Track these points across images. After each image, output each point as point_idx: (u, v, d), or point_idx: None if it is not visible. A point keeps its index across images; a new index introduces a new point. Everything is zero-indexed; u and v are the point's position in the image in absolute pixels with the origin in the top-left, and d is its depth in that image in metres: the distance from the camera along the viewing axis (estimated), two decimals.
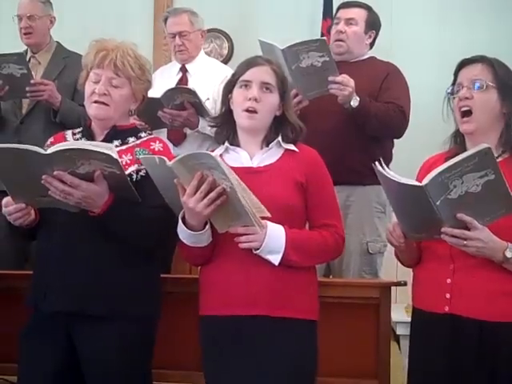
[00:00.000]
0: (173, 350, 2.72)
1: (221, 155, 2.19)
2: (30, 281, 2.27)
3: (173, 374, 2.76)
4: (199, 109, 3.25)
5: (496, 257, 1.92)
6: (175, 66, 3.59)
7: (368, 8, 3.31)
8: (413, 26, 4.65)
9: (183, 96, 3.21)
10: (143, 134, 2.32)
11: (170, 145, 3.27)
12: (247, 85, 2.17)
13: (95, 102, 2.24)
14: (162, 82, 3.47)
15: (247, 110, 2.14)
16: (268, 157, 2.18)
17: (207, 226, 2.05)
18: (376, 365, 2.67)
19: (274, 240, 2.03)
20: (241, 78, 2.19)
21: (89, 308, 2.13)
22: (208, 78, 3.46)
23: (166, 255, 3.28)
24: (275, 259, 2.05)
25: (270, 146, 2.19)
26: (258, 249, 2.04)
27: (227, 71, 3.57)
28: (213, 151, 2.19)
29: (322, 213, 2.16)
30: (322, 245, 2.12)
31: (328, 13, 4.37)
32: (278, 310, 2.06)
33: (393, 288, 2.76)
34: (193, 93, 3.19)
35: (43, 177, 2.01)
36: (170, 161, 1.98)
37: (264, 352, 2.05)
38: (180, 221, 2.07)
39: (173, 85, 3.42)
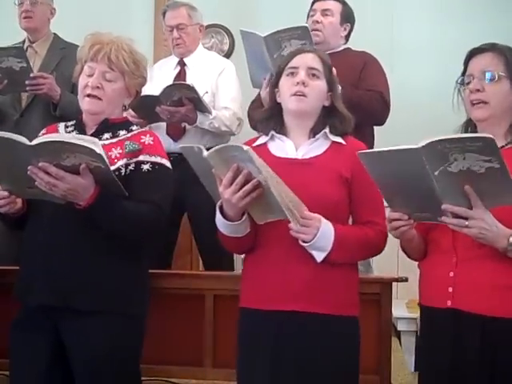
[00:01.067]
0: (173, 346, 2.72)
1: (266, 143, 2.17)
2: None
3: (174, 370, 2.76)
4: (197, 104, 3.23)
5: (500, 243, 1.84)
6: (173, 60, 3.56)
7: (343, 2, 3.37)
8: (414, 24, 4.66)
9: (181, 92, 3.19)
10: (134, 128, 2.31)
11: (169, 140, 3.28)
12: (294, 72, 2.15)
13: (88, 95, 2.23)
14: (161, 75, 3.46)
15: (296, 95, 2.12)
16: (314, 148, 2.14)
17: (244, 217, 2.04)
18: (377, 360, 2.66)
19: (324, 238, 2.01)
20: (287, 66, 2.17)
21: (74, 302, 2.12)
22: (206, 72, 3.45)
23: (166, 250, 3.28)
24: (319, 256, 2.02)
25: (317, 137, 2.15)
26: (306, 242, 2.01)
27: (225, 64, 3.57)
28: (255, 140, 2.18)
29: (366, 210, 2.10)
30: (365, 243, 2.08)
31: None
32: (318, 305, 2.03)
33: (394, 284, 2.75)
34: (191, 88, 3.18)
35: (29, 167, 2.01)
36: (203, 151, 1.97)
37: (303, 349, 2.02)
38: (218, 210, 2.07)
39: (171, 78, 3.41)
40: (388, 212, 1.97)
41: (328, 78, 2.18)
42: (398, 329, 3.74)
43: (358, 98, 3.02)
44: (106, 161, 2.04)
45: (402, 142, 3.23)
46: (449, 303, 1.92)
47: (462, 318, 1.90)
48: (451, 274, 1.93)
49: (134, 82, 2.30)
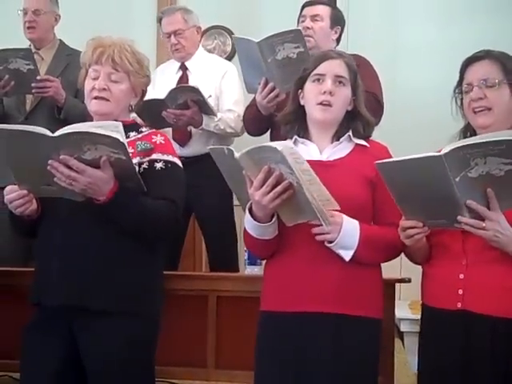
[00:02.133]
0: (177, 347, 2.73)
1: None
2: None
3: (179, 371, 2.76)
4: (203, 106, 3.25)
5: (511, 247, 1.87)
6: (175, 64, 3.58)
7: (331, 5, 3.40)
8: (417, 27, 4.65)
9: (186, 95, 3.21)
10: (144, 129, 2.33)
11: (175, 145, 3.29)
12: (320, 78, 2.15)
13: (95, 97, 2.25)
14: (163, 80, 3.48)
15: (321, 104, 2.12)
16: (338, 151, 2.15)
17: (274, 219, 2.04)
18: (380, 362, 2.64)
19: (348, 235, 2.01)
20: (314, 72, 2.16)
21: (90, 302, 2.13)
22: (209, 75, 3.46)
23: (173, 252, 3.30)
24: (347, 255, 2.03)
25: (341, 140, 2.16)
26: (331, 242, 2.01)
27: (227, 66, 3.59)
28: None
29: (389, 211, 2.06)
30: (392, 243, 2.07)
31: None
32: (345, 307, 2.03)
33: (396, 285, 2.75)
34: (196, 90, 3.19)
35: (49, 161, 2.01)
36: (235, 153, 1.97)
37: (327, 351, 2.02)
38: (247, 212, 2.07)
39: (173, 83, 3.43)
40: (402, 220, 1.98)
41: (353, 83, 2.19)
42: (401, 330, 3.73)
43: None
44: (128, 150, 2.05)
45: (406, 144, 3.27)
46: (459, 305, 1.94)
47: (472, 319, 1.92)
48: (461, 276, 1.95)
49: (139, 82, 2.32)
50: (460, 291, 1.94)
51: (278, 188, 1.94)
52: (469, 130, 2.10)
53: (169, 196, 2.17)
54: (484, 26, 4.46)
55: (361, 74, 3.18)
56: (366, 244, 2.03)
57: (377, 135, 3.39)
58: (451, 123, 2.14)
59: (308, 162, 2.04)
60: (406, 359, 3.31)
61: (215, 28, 4.64)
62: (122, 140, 1.99)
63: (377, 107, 3.16)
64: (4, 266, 2.91)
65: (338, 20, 3.35)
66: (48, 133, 1.99)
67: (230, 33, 4.63)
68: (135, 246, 2.17)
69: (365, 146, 2.17)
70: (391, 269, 3.25)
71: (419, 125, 4.21)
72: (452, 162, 1.75)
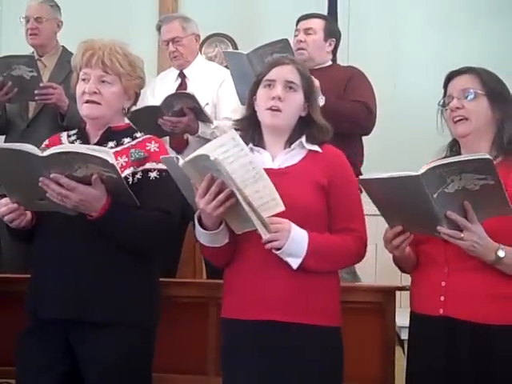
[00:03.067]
0: (177, 354, 2.72)
1: None
2: None
3: (177, 379, 2.76)
4: (199, 114, 3.25)
5: (488, 256, 1.95)
6: (173, 72, 3.59)
7: (326, 18, 3.49)
8: (417, 36, 4.67)
9: (182, 101, 3.21)
10: (138, 135, 2.30)
11: (172, 152, 3.28)
12: (271, 84, 2.15)
13: (86, 101, 2.23)
14: (163, 88, 3.48)
15: (271, 109, 2.13)
16: (290, 158, 2.15)
17: (221, 227, 2.04)
18: (381, 369, 2.67)
19: (296, 242, 2.01)
20: (265, 78, 2.17)
21: (86, 315, 2.12)
22: (207, 83, 3.47)
23: (171, 259, 3.29)
24: (295, 262, 2.02)
25: (292, 146, 2.16)
26: (279, 249, 2.01)
27: (225, 74, 3.58)
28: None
29: (343, 216, 2.10)
30: (343, 250, 2.08)
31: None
32: (295, 315, 2.03)
33: (397, 292, 2.76)
34: (192, 97, 3.19)
35: (40, 179, 2.01)
36: (180, 161, 1.97)
37: (282, 360, 2.02)
38: (196, 220, 2.07)
39: (172, 91, 3.42)
40: (386, 231, 2.04)
41: (305, 89, 2.18)
42: (402, 337, 3.72)
43: (342, 107, 3.11)
44: (119, 170, 2.05)
45: (407, 154, 3.28)
46: (441, 311, 2.01)
47: (453, 325, 1.99)
48: (443, 283, 2.03)
49: (131, 84, 2.29)
50: (442, 298, 2.02)
51: (220, 196, 1.95)
52: (454, 146, 2.17)
53: (163, 207, 2.16)
54: (485, 36, 4.48)
55: (353, 84, 3.26)
56: (315, 252, 2.03)
57: (376, 145, 3.41)
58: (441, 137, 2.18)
59: None
60: None
61: (216, 36, 4.66)
62: (111, 162, 1.99)
63: (367, 116, 3.22)
64: (4, 272, 2.92)
65: (332, 32, 3.42)
66: (38, 152, 1.99)
67: (232, 40, 4.65)
68: (130, 257, 2.16)
69: (317, 151, 2.16)
70: (391, 277, 3.28)
71: (419, 134, 4.22)
72: (429, 180, 1.84)
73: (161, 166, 2.19)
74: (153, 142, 2.26)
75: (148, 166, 2.20)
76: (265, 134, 2.19)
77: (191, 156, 1.93)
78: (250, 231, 2.00)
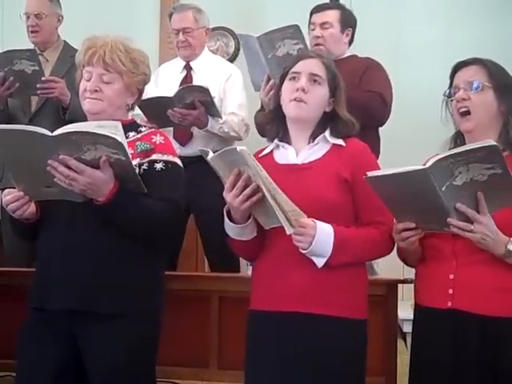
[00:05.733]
0: (179, 348, 2.73)
1: (272, 152, 2.21)
2: None
3: (182, 371, 2.77)
4: (209, 108, 3.24)
5: (498, 250, 1.94)
6: (179, 63, 3.57)
7: (340, 7, 3.39)
8: (420, 27, 4.65)
9: (194, 94, 3.20)
10: (143, 129, 2.32)
11: (176, 144, 3.29)
12: (296, 76, 2.16)
13: (88, 98, 2.25)
14: (166, 78, 3.48)
15: (295, 100, 2.13)
16: (314, 153, 2.16)
17: (249, 221, 2.07)
18: (382, 362, 2.67)
19: (321, 245, 2.02)
20: (290, 71, 2.18)
21: (93, 305, 2.13)
22: (213, 76, 3.46)
23: (171, 252, 3.29)
24: (319, 262, 2.04)
25: (316, 141, 2.17)
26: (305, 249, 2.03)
27: (232, 69, 3.58)
28: (263, 150, 2.21)
29: (369, 210, 2.10)
30: (369, 244, 2.09)
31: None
32: (320, 307, 2.04)
33: (399, 285, 2.76)
34: (205, 91, 3.18)
35: (49, 161, 2.01)
36: (210, 154, 2.00)
37: (305, 351, 2.03)
38: (225, 213, 2.09)
39: (177, 82, 3.42)
40: (395, 224, 2.03)
41: (331, 84, 2.19)
42: (404, 330, 3.73)
43: (356, 98, 3.03)
44: (127, 151, 2.05)
45: (409, 146, 3.27)
46: (449, 304, 2.00)
47: (462, 318, 1.98)
48: (451, 276, 2.01)
49: (133, 81, 2.30)
50: (450, 291, 2.01)
51: (247, 190, 1.98)
52: (459, 138, 2.16)
53: (169, 197, 2.17)
54: (487, 27, 4.48)
55: (369, 74, 3.20)
56: (341, 250, 2.04)
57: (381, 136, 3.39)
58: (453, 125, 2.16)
59: (284, 166, 2.12)
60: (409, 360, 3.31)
61: (218, 29, 4.64)
62: (120, 140, 2.00)
63: (381, 106, 3.17)
64: (7, 266, 2.92)
65: (348, 22, 3.34)
66: (47, 132, 1.99)
67: (233, 34, 4.63)
68: (136, 247, 2.17)
69: (341, 145, 2.17)
70: (394, 270, 3.27)
71: (422, 125, 4.21)
72: (437, 173, 1.83)
73: (166, 157, 2.23)
74: (158, 135, 2.28)
75: (154, 157, 2.21)
76: (290, 128, 2.20)
77: (221, 150, 1.97)
78: (278, 227, 2.01)
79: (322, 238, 2.01)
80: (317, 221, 2.02)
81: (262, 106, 3.17)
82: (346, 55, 3.35)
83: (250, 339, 2.16)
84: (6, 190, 2.14)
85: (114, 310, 2.13)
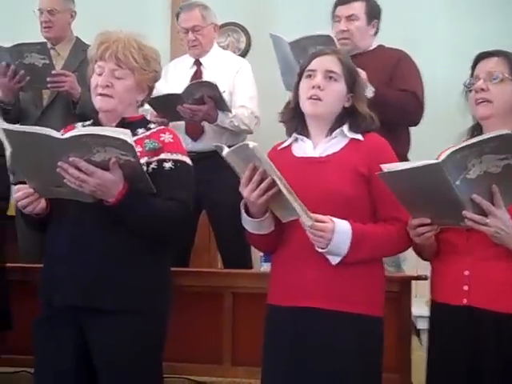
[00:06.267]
0: (192, 344, 2.72)
1: (290, 145, 2.21)
2: None
3: (195, 368, 2.77)
4: (218, 102, 3.24)
5: None
6: (189, 59, 3.57)
7: None
8: (430, 22, 4.62)
9: (203, 90, 3.20)
10: (152, 126, 2.31)
11: (188, 139, 3.29)
12: (311, 74, 2.16)
13: (99, 94, 2.24)
14: (176, 74, 3.48)
15: (311, 98, 2.13)
16: (331, 146, 2.15)
17: (266, 214, 2.07)
18: (397, 359, 2.65)
19: (338, 244, 2.01)
20: (306, 68, 2.18)
21: (99, 302, 2.13)
22: (223, 71, 3.45)
23: (183, 248, 3.29)
24: (334, 260, 2.03)
25: (334, 134, 2.16)
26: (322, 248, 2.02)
27: (241, 63, 3.58)
28: (282, 143, 2.21)
29: (386, 205, 2.08)
30: (386, 241, 2.07)
31: None
32: (334, 303, 2.03)
33: (413, 282, 2.74)
34: (213, 86, 3.18)
35: (59, 163, 2.01)
36: (224, 150, 2.01)
37: (320, 348, 2.03)
38: (242, 207, 2.10)
39: (187, 78, 3.42)
40: (410, 219, 2.01)
41: (348, 80, 2.17)
42: (418, 327, 3.71)
43: (392, 98, 3.00)
44: (137, 153, 2.05)
45: (417, 136, 3.25)
46: (464, 301, 1.98)
47: (477, 315, 1.96)
48: (466, 272, 2.00)
49: (144, 78, 2.29)
50: (465, 287, 1.99)
51: (263, 185, 1.99)
52: (476, 130, 2.13)
53: (178, 196, 2.17)
54: (490, 20, 4.44)
55: (401, 70, 3.15)
56: (357, 248, 2.03)
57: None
58: (464, 119, 2.15)
59: (302, 159, 2.12)
60: (423, 357, 3.29)
61: (229, 25, 4.63)
62: (130, 142, 2.00)
63: (417, 106, 3.12)
64: (20, 262, 2.92)
65: (374, 13, 3.27)
66: (57, 135, 2.00)
67: (245, 30, 4.62)
68: (142, 245, 2.17)
69: (359, 140, 2.15)
70: (408, 266, 3.26)
71: (430, 119, 4.19)
72: (450, 167, 1.80)
73: (175, 156, 2.22)
74: (167, 133, 2.27)
75: (163, 156, 2.20)
76: (308, 123, 2.20)
77: (235, 146, 1.98)
78: (294, 220, 2.01)
79: (339, 237, 2.00)
80: (334, 219, 2.01)
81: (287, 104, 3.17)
82: (372, 47, 3.30)
83: (267, 334, 2.15)
84: (17, 187, 2.14)
85: (117, 306, 2.13)
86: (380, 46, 3.31)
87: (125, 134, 2.00)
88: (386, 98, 2.94)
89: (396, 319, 2.67)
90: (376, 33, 3.31)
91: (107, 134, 1.98)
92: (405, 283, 2.73)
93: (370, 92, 2.92)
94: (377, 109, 2.97)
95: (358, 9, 3.23)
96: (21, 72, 3.21)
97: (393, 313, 2.63)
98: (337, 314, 2.03)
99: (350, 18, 3.22)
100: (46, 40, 3.51)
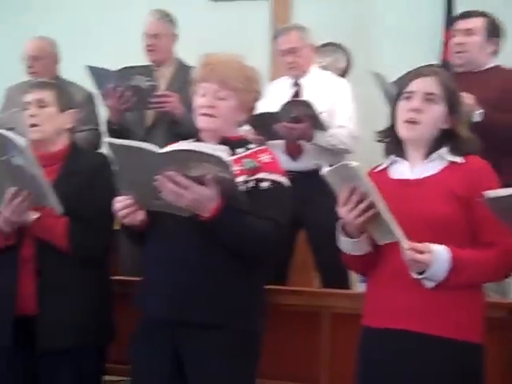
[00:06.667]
0: (289, 362, 2.71)
1: (387, 168, 2.19)
2: None
3: None
4: (315, 121, 3.25)
5: None
6: (288, 80, 3.62)
7: (487, 16, 3.21)
8: None
9: (299, 109, 3.23)
10: (252, 145, 2.33)
11: (287, 158, 3.31)
12: (410, 96, 2.12)
13: (203, 114, 2.29)
14: (276, 96, 3.50)
15: (407, 121, 2.10)
16: (429, 169, 2.11)
17: (364, 235, 2.05)
18: None
19: (435, 271, 1.96)
20: (405, 90, 2.15)
21: (193, 316, 2.15)
22: (322, 91, 3.47)
23: (281, 266, 3.29)
24: (429, 284, 1.99)
25: (432, 157, 2.12)
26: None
27: (341, 82, 3.60)
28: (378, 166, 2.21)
29: (486, 230, 2.01)
30: (485, 268, 2.00)
31: (450, 23, 4.25)
32: (431, 327, 1.98)
33: None
34: (309, 105, 3.20)
35: (156, 177, 2.06)
36: (322, 169, 2.01)
37: (414, 372, 1.98)
38: (339, 227, 2.09)
39: (286, 98, 3.44)
40: None
41: (448, 101, 2.12)
42: None
43: (503, 122, 2.91)
44: (233, 171, 2.07)
45: None
46: None
47: None
48: None
49: (247, 98, 2.32)
50: None
51: (361, 205, 1.96)
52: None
53: (273, 216, 2.17)
54: None
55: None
56: (455, 275, 1.96)
57: None
58: None
59: (398, 181, 2.09)
60: None
61: (329, 45, 4.62)
62: (226, 159, 2.02)
63: None
64: (124, 275, 3.01)
65: (494, 31, 3.19)
66: (156, 149, 2.05)
67: (345, 50, 4.61)
68: (237, 261, 2.18)
69: (459, 162, 2.09)
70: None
71: None
72: None
73: (273, 176, 2.23)
74: (266, 153, 2.29)
75: (261, 175, 2.22)
76: (405, 146, 2.16)
77: (336, 165, 1.97)
78: (390, 242, 1.99)
79: (437, 266, 1.96)
80: (433, 247, 1.95)
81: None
82: (488, 66, 3.20)
83: (360, 355, 2.13)
84: (118, 198, 2.20)
85: (210, 321, 2.15)
86: (496, 66, 3.20)
87: (222, 151, 2.03)
88: (495, 121, 2.85)
89: (500, 348, 2.55)
90: (495, 52, 3.21)
91: (204, 151, 2.02)
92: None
93: (477, 116, 2.84)
94: (485, 134, 2.90)
95: (478, 24, 3.17)
96: (127, 93, 3.34)
97: (498, 342, 2.51)
98: (433, 338, 1.98)
99: (468, 31, 3.17)
100: (150, 63, 3.65)
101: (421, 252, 1.94)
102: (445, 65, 3.63)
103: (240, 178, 2.18)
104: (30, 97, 2.53)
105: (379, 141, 2.24)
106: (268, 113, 3.21)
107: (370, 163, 2.26)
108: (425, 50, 4.20)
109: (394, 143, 2.18)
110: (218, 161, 2.02)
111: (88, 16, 4.95)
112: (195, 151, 2.03)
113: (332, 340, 2.71)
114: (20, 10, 5.06)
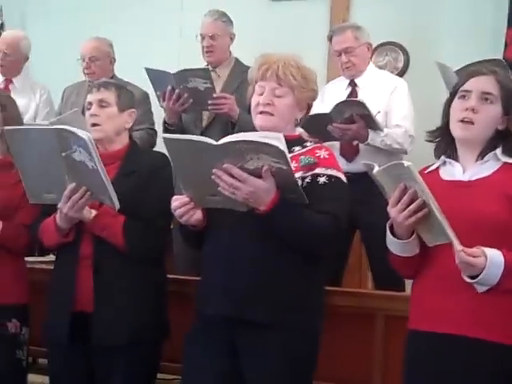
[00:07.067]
0: (342, 364, 2.70)
1: (438, 168, 2.16)
2: None
3: None
4: (369, 121, 3.22)
5: None
6: (344, 81, 3.61)
7: None
8: None
9: (352, 109, 3.21)
10: (308, 144, 2.33)
11: (342, 160, 3.29)
12: (466, 95, 2.08)
13: (260, 112, 2.30)
14: (332, 96, 3.50)
15: (462, 121, 2.06)
16: (482, 170, 2.07)
17: (413, 236, 2.03)
18: None
19: (488, 276, 1.92)
20: (461, 89, 2.11)
21: (250, 314, 2.15)
22: (378, 91, 3.46)
23: (336, 267, 3.28)
24: (481, 289, 1.96)
25: (486, 158, 2.08)
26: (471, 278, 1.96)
27: (398, 82, 3.56)
28: (429, 167, 2.17)
29: None
30: None
31: None
32: (478, 330, 1.95)
33: None
34: (362, 105, 3.18)
35: (213, 170, 2.07)
36: (375, 168, 1.99)
37: (458, 375, 1.96)
38: (388, 228, 2.08)
39: (342, 98, 3.43)
40: None
41: (504, 102, 2.07)
42: None
43: None
44: (289, 160, 2.07)
45: None
46: None
47: None
48: None
49: (303, 96, 2.33)
50: None
51: (412, 206, 1.93)
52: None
53: (331, 211, 2.16)
54: None
55: None
56: (508, 279, 1.92)
57: None
58: None
59: (450, 182, 2.04)
60: None
61: (387, 44, 4.58)
62: (282, 149, 2.02)
63: None
64: (178, 273, 3.05)
65: None
66: (212, 141, 2.06)
67: (403, 49, 4.55)
68: (297, 260, 2.18)
69: None
70: None
71: None
72: None
73: (330, 171, 2.22)
74: (323, 150, 2.29)
75: (317, 171, 2.22)
76: (457, 146, 2.13)
77: (386, 165, 1.95)
78: (441, 244, 1.96)
79: (490, 271, 1.91)
80: (487, 251, 1.91)
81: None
82: None
83: (406, 359, 2.10)
84: (175, 196, 2.23)
85: (269, 319, 2.15)
86: None
87: (278, 139, 2.03)
88: None
89: None
90: None
91: (261, 141, 2.02)
92: None
93: None
94: None
95: None
96: (184, 95, 3.39)
97: None
98: (481, 342, 1.94)
99: None
100: (207, 63, 3.68)
101: (475, 256, 1.90)
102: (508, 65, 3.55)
103: (297, 174, 2.18)
104: (92, 97, 2.59)
105: (429, 141, 2.20)
106: (321, 114, 3.21)
107: (424, 164, 2.22)
108: (486, 49, 4.12)
109: (445, 143, 2.14)
110: (274, 151, 2.03)
111: (143, 17, 5.02)
112: (252, 141, 2.04)
113: (385, 342, 2.69)
114: (75, 11, 5.16)
